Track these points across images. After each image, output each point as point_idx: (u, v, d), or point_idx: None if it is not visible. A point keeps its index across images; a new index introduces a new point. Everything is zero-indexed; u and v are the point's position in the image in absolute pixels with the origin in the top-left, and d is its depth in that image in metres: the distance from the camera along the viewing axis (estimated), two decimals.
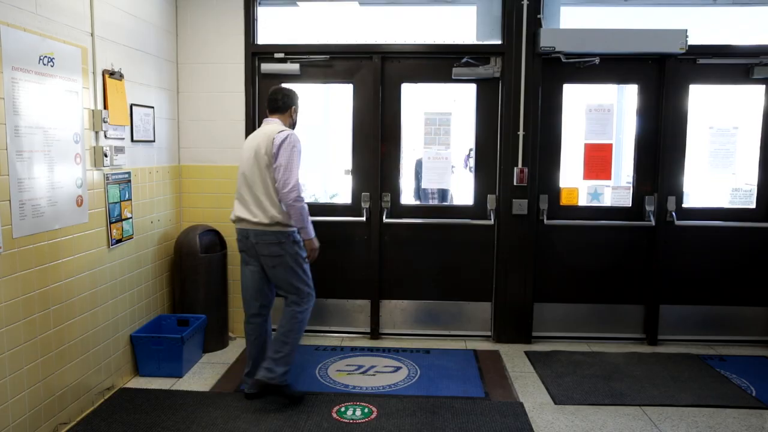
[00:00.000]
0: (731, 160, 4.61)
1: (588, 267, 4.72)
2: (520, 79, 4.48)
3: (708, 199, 4.82)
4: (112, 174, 3.65)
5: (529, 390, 3.83)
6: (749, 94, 4.63)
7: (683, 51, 4.31)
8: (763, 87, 4.56)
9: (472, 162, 4.81)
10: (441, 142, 4.68)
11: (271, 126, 3.52)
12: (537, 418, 3.43)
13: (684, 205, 4.66)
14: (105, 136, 3.56)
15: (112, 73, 3.61)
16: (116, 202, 3.69)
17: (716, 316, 4.73)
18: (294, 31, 4.90)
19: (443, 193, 5.13)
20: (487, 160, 4.68)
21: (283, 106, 3.59)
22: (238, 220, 3.55)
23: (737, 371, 4.14)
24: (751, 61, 4.50)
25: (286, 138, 3.39)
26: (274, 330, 3.69)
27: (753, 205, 4.67)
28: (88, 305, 3.42)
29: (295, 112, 3.64)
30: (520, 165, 4.54)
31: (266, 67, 4.64)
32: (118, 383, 3.77)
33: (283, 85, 3.94)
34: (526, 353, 4.47)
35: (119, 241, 3.73)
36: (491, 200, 4.68)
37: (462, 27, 4.70)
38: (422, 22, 4.85)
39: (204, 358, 4.32)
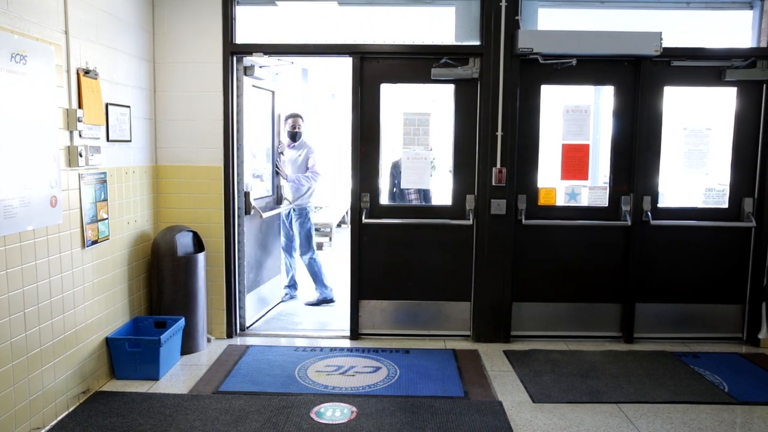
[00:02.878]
0: (705, 161, 4.69)
1: (565, 266, 4.78)
2: (498, 80, 4.51)
3: (682, 199, 4.90)
4: (88, 174, 3.60)
5: (508, 389, 3.86)
6: (722, 96, 4.71)
7: (658, 53, 4.38)
8: (734, 89, 4.65)
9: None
10: (420, 142, 4.69)
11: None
12: (516, 417, 3.46)
13: (659, 205, 4.74)
14: (80, 136, 3.50)
15: (87, 72, 3.56)
16: (92, 203, 3.63)
17: (690, 314, 4.81)
18: (273, 30, 4.88)
19: (423, 194, 5.15)
20: (466, 160, 4.70)
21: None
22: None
23: (710, 368, 4.22)
24: (723, 64, 4.59)
25: None
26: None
27: (726, 205, 4.75)
28: (63, 307, 3.37)
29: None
30: (498, 165, 4.57)
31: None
32: (94, 386, 3.72)
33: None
34: (505, 352, 4.50)
35: (95, 242, 3.67)
36: (470, 200, 4.70)
37: (441, 28, 4.72)
38: (401, 22, 4.86)
39: (182, 360, 4.28)
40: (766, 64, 4.55)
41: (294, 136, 5.82)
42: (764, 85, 4.60)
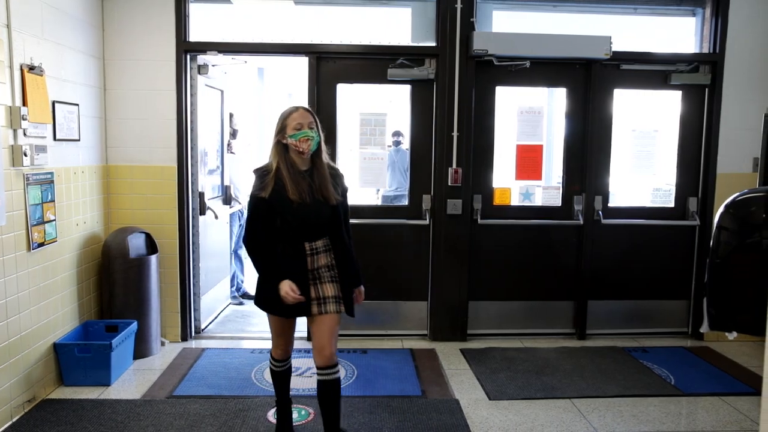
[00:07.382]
0: (652, 162, 4.84)
1: (520, 265, 4.86)
2: (454, 81, 4.56)
3: (632, 198, 5.05)
4: (33, 174, 3.47)
5: (465, 387, 3.90)
6: (668, 98, 4.88)
7: (608, 57, 4.50)
8: (679, 93, 4.82)
9: (402, 147, 4.84)
10: (377, 142, 4.70)
11: None
12: (472, 414, 3.50)
13: (610, 205, 4.87)
14: (24, 134, 3.38)
15: (31, 68, 3.43)
16: (38, 204, 3.50)
17: (639, 310, 4.96)
18: (228, 29, 4.80)
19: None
20: (423, 160, 4.73)
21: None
22: None
23: (658, 362, 4.36)
24: (669, 68, 4.76)
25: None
26: None
27: (672, 204, 4.92)
28: (7, 313, 3.24)
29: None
30: (454, 165, 4.61)
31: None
32: (41, 394, 3.59)
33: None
34: (462, 351, 4.55)
35: (41, 244, 3.55)
36: (426, 200, 4.74)
37: (397, 28, 4.74)
38: (358, 22, 4.86)
39: (135, 364, 4.17)
40: (708, 69, 4.74)
41: (235, 133, 5.87)
42: (706, 89, 4.79)
